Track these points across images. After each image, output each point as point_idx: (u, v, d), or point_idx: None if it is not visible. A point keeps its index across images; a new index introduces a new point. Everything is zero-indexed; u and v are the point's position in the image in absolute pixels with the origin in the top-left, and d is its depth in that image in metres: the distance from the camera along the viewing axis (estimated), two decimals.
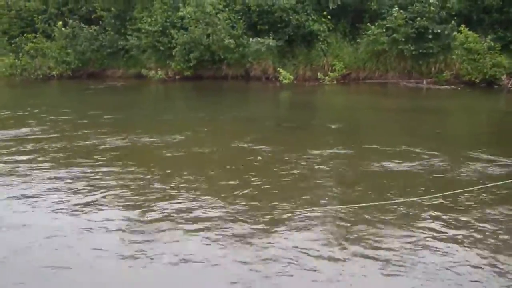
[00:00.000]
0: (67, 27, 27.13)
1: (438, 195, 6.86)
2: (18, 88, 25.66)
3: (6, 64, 27.63)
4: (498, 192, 7.11)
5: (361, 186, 7.57)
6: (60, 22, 27.33)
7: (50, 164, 9.00)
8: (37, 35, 28.15)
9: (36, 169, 8.63)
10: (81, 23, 27.44)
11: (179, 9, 24.59)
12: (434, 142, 10.49)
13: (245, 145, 10.29)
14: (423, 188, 7.34)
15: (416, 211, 6.44)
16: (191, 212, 6.52)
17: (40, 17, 28.94)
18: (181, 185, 7.62)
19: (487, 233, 5.81)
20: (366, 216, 6.30)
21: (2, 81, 27.42)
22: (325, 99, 20.54)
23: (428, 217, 6.28)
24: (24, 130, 12.37)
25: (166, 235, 5.87)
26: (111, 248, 5.58)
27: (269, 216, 6.32)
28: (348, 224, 6.08)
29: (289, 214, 6.36)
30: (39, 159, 9.35)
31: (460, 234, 5.78)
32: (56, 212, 6.65)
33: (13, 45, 28.59)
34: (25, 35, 28.38)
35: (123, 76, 27.14)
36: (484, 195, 7.00)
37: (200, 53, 24.05)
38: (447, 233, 5.81)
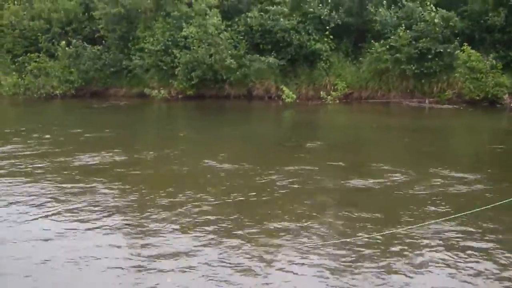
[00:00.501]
0: (71, 47, 27.26)
1: (440, 219, 6.77)
2: (21, 106, 25.79)
3: (10, 83, 27.78)
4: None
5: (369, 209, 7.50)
6: (64, 42, 27.49)
7: (42, 181, 8.99)
8: (40, 55, 28.29)
9: (30, 186, 8.62)
10: (85, 42, 27.57)
11: (182, 29, 24.67)
12: (436, 161, 10.39)
13: (245, 165, 10.24)
14: (426, 210, 7.26)
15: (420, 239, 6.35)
16: (189, 232, 6.45)
17: (43, 36, 29.11)
18: (179, 204, 7.56)
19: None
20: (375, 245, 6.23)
21: (5, 100, 27.59)
22: (327, 118, 20.53)
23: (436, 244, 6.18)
24: (21, 146, 12.40)
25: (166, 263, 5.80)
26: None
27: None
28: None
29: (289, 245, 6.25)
30: (38, 176, 9.32)
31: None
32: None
33: (16, 64, 28.77)
34: (28, 54, 28.53)
35: (126, 95, 27.24)
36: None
37: (202, 72, 24.14)
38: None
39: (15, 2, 30.79)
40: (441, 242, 6.07)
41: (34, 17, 29.82)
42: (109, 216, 7.11)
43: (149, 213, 7.20)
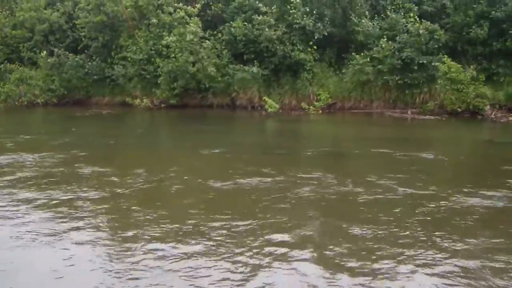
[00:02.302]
0: (53, 56, 27.05)
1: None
2: (1, 115, 25.44)
3: None
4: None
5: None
6: (45, 52, 27.27)
7: (21, 192, 8.75)
8: (21, 64, 28.05)
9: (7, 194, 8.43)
10: (67, 51, 27.38)
11: (163, 38, 24.60)
12: (415, 172, 10.37)
13: (226, 176, 10.12)
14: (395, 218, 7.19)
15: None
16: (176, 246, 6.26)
17: (25, 44, 28.86)
18: (158, 215, 7.34)
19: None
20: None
21: None
22: (309, 128, 20.44)
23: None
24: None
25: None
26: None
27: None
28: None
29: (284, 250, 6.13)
30: (13, 185, 9.12)
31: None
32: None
33: None
34: (8, 64, 28.26)
35: (109, 104, 27.12)
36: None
37: (185, 82, 24.08)
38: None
39: None
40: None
41: (16, 25, 29.58)
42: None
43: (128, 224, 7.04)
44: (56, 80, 27.35)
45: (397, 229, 6.65)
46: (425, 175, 10.02)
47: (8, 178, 9.62)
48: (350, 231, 6.61)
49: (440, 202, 7.85)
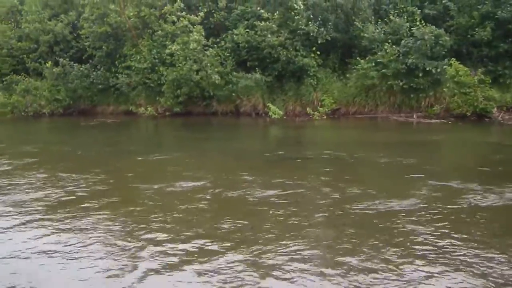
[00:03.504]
0: (58, 66, 27.20)
1: None
2: (9, 125, 25.56)
3: None
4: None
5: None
6: (50, 62, 27.43)
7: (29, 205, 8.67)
8: (27, 76, 28.24)
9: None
10: (72, 62, 27.51)
11: (166, 46, 24.62)
12: (424, 176, 10.16)
13: (232, 181, 10.02)
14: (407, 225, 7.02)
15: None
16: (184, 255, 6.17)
17: (31, 55, 29.05)
18: (170, 225, 7.25)
19: None
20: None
21: None
22: (314, 134, 20.28)
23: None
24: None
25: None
26: None
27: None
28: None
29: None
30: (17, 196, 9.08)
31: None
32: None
33: (4, 83, 28.67)
34: (14, 75, 28.45)
35: (114, 113, 27.25)
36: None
37: (189, 90, 24.11)
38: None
39: (3, 22, 30.71)
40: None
41: (22, 36, 29.80)
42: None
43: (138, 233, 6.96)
44: (61, 90, 27.53)
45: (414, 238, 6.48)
46: (437, 179, 9.73)
47: (13, 182, 9.62)
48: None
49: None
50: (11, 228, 7.19)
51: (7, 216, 7.79)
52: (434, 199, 8.23)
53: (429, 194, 8.54)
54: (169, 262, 5.85)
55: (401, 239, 6.39)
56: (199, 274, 5.53)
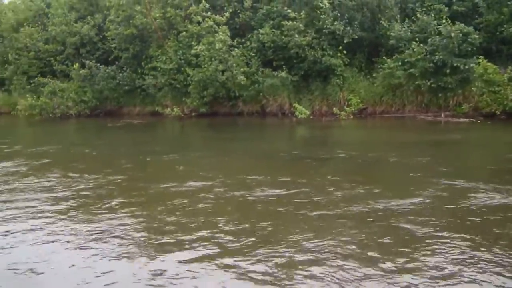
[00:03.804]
0: (85, 68, 27.49)
1: None
2: (37, 127, 25.94)
3: (26, 104, 28.03)
4: None
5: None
6: (77, 64, 27.75)
7: (57, 204, 8.74)
8: (53, 78, 28.62)
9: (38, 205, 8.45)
10: (98, 63, 27.78)
11: (192, 47, 24.71)
12: (452, 177, 10.03)
13: (260, 180, 10.01)
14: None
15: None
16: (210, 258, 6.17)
17: (58, 57, 29.42)
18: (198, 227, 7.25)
19: None
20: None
21: (22, 120, 27.92)
22: (341, 134, 20.19)
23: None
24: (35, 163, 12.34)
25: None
26: None
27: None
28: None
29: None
30: (45, 195, 9.17)
31: None
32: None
33: (32, 85, 29.07)
34: (42, 77, 28.82)
35: (140, 114, 27.47)
36: None
37: (215, 90, 24.16)
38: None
39: (30, 25, 31.15)
40: None
41: (49, 39, 30.18)
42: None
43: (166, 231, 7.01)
44: (88, 92, 27.83)
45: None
46: (475, 181, 9.52)
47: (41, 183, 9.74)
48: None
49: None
50: (31, 230, 7.24)
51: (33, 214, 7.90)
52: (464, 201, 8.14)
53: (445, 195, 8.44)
54: (195, 262, 5.88)
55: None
56: (228, 273, 5.56)
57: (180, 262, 5.95)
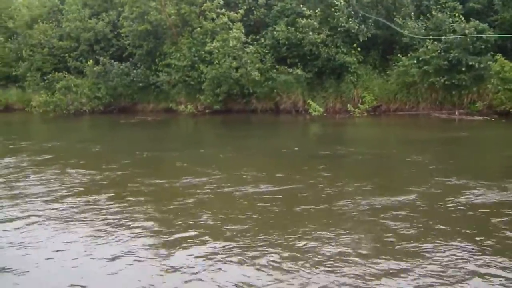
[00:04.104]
0: (99, 64, 27.62)
1: None
2: (52, 123, 26.13)
3: (40, 101, 28.18)
4: None
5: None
6: (91, 60, 27.88)
7: (73, 198, 8.92)
8: (67, 74, 28.73)
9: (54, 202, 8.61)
10: (112, 60, 27.90)
11: (206, 44, 24.78)
12: (467, 175, 10.06)
13: (275, 177, 10.09)
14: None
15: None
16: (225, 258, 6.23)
17: (72, 54, 29.56)
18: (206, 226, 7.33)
19: None
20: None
21: (36, 117, 28.10)
22: (355, 131, 20.23)
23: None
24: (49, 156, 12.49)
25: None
26: None
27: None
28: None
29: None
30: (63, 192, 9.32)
31: None
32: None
33: (46, 82, 29.22)
34: (56, 73, 28.96)
35: (154, 111, 27.59)
36: None
37: (229, 87, 24.22)
38: None
39: (44, 22, 31.30)
40: None
41: (63, 35, 30.33)
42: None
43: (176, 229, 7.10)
44: (102, 88, 27.90)
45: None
46: (498, 180, 9.53)
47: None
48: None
49: None
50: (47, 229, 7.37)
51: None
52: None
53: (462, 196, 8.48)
54: (214, 259, 5.96)
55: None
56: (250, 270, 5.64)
57: (194, 256, 6.07)
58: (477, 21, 21.69)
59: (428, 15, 23.34)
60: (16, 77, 32.78)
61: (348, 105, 23.21)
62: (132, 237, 6.81)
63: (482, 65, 21.02)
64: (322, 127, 20.92)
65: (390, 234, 6.62)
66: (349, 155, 13.31)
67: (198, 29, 25.57)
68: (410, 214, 7.48)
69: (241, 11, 24.99)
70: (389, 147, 14.71)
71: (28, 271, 5.82)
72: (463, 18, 21.93)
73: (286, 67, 24.08)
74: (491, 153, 13.86)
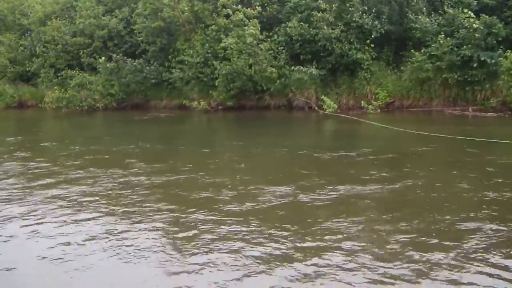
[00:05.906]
0: (112, 61, 27.75)
1: None
2: (65, 119, 26.31)
3: (53, 97, 28.38)
4: None
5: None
6: (104, 57, 28.02)
7: (87, 198, 9.04)
8: (81, 71, 28.94)
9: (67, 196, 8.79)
10: (125, 57, 28.04)
11: (221, 41, 24.84)
12: (478, 172, 10.10)
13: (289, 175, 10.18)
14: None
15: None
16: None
17: (85, 50, 29.72)
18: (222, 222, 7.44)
19: None
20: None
21: (49, 113, 28.27)
22: (370, 128, 20.18)
23: None
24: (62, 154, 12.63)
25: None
26: None
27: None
28: None
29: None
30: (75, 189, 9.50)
31: None
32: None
33: (59, 78, 29.41)
34: (69, 70, 29.13)
35: (167, 107, 27.70)
36: None
37: (242, 83, 24.27)
38: None
39: (57, 18, 31.49)
40: None
41: (76, 32, 30.49)
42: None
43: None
44: (115, 85, 28.04)
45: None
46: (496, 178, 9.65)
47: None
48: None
49: None
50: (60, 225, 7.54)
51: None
52: None
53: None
54: (232, 260, 6.07)
55: None
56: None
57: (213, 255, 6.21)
58: (488, 16, 21.66)
59: (440, 11, 23.34)
60: (28, 75, 32.95)
61: (362, 102, 23.23)
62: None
63: (494, 61, 20.98)
64: (336, 125, 20.87)
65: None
66: (367, 153, 13.26)
67: (213, 26, 25.62)
68: None
69: (258, 7, 25.02)
70: (410, 144, 14.68)
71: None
72: (471, 14, 21.89)
73: (300, 66, 23.99)
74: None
